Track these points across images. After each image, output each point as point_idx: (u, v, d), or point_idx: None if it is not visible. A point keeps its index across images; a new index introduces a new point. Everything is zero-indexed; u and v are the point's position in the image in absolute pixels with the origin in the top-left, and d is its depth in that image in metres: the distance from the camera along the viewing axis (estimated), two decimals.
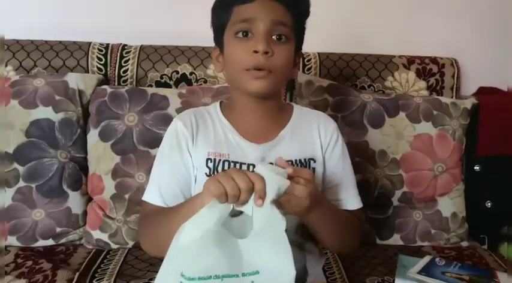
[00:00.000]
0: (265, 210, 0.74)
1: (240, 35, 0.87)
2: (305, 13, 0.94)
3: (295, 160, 0.91)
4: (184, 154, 0.92)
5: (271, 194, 0.74)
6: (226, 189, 0.71)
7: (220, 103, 0.99)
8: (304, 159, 0.92)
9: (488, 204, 1.35)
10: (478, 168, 1.36)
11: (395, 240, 1.30)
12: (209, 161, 0.90)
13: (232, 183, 0.71)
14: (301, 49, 0.97)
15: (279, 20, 0.87)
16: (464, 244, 1.32)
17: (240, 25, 0.87)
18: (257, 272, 0.73)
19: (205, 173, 0.90)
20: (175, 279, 0.71)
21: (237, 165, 0.89)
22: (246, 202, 0.74)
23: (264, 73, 0.86)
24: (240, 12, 0.88)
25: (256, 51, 0.85)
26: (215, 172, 0.89)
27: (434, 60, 1.47)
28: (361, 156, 1.26)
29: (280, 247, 0.73)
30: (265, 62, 0.85)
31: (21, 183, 1.20)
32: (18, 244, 1.20)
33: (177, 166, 0.92)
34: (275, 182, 0.74)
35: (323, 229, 0.88)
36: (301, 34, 0.95)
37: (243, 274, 0.73)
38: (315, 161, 0.93)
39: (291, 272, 0.72)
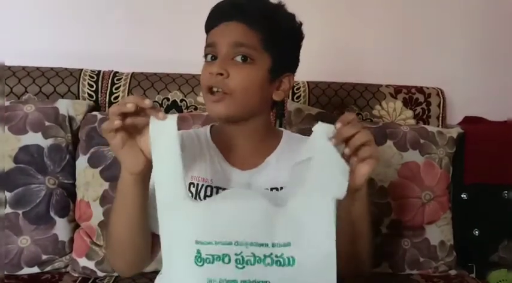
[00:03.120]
0: (325, 173, 0.69)
1: (209, 58, 0.88)
2: (278, 28, 0.88)
3: (281, 187, 0.89)
4: None
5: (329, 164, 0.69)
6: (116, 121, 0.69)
7: (211, 126, 0.98)
8: None
9: (476, 232, 1.36)
10: (465, 196, 1.38)
11: (384, 268, 1.30)
12: (191, 186, 0.89)
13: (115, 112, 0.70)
14: (287, 69, 0.91)
15: (238, 41, 0.85)
16: (453, 272, 1.32)
17: (206, 49, 0.89)
18: (288, 243, 0.68)
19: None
20: (190, 249, 0.68)
21: (220, 191, 0.88)
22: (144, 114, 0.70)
23: (218, 96, 0.85)
24: (208, 37, 0.90)
25: (211, 73, 0.85)
26: (197, 198, 0.88)
27: (420, 89, 1.50)
28: None
29: (324, 218, 0.68)
30: (217, 83, 0.84)
31: (8, 209, 1.19)
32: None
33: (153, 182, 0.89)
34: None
35: (365, 221, 0.80)
36: (281, 52, 0.89)
37: (273, 245, 0.68)
38: None
39: (330, 249, 0.67)
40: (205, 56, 0.89)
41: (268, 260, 0.68)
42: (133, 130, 0.72)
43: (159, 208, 0.70)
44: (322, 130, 0.71)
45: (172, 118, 0.70)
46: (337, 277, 0.69)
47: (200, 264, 0.68)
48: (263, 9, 0.89)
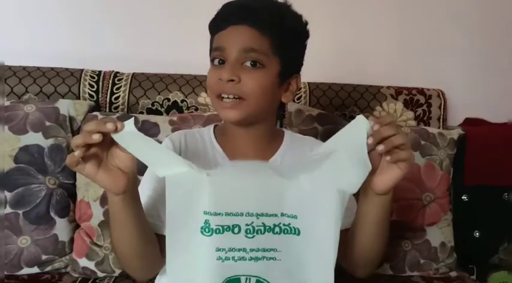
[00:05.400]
0: (342, 164, 0.70)
1: (216, 62, 0.87)
2: (288, 31, 0.87)
3: None
4: None
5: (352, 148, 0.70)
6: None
7: (215, 127, 0.98)
8: None
9: (477, 234, 1.36)
10: (465, 198, 1.37)
11: (385, 269, 1.30)
12: None
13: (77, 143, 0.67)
14: (294, 72, 0.91)
15: (249, 47, 0.84)
16: (453, 274, 1.32)
17: (214, 53, 0.87)
18: (295, 216, 0.71)
19: None
20: (198, 219, 0.68)
21: None
22: (109, 130, 0.66)
23: (232, 102, 0.84)
24: (216, 40, 0.88)
25: (222, 79, 0.84)
26: None
27: (421, 91, 1.50)
28: None
29: (332, 203, 0.70)
30: (230, 89, 0.83)
31: (8, 210, 1.18)
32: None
33: (158, 183, 0.86)
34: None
35: (386, 221, 0.82)
36: (290, 55, 0.88)
37: (282, 214, 0.71)
38: None
39: (332, 230, 0.69)
40: (213, 59, 0.88)
41: (277, 229, 0.71)
42: (102, 152, 0.70)
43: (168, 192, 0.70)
44: (365, 123, 0.70)
45: (128, 123, 0.68)
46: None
47: (208, 234, 0.69)
48: (273, 13, 0.87)
